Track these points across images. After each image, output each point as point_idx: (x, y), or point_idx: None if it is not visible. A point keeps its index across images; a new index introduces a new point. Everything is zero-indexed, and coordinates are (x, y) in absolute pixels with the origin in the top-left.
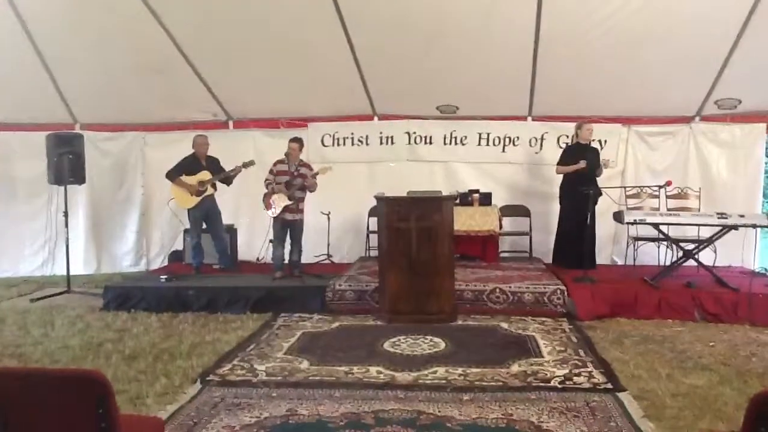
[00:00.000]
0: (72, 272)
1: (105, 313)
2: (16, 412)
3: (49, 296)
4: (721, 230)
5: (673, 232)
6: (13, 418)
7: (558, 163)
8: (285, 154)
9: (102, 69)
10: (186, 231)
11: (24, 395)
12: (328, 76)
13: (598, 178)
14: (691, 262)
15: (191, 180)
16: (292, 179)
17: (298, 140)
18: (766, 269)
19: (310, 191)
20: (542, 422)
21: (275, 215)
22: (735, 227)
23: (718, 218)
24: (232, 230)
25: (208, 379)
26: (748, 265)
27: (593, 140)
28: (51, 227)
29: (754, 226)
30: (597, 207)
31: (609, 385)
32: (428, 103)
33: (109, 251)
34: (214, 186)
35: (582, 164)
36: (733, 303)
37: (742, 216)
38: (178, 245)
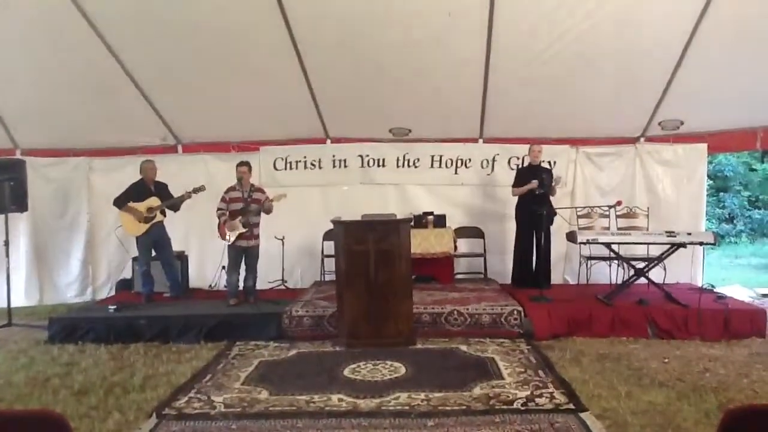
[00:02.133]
0: (13, 304)
1: (50, 347)
2: None
3: None
4: (670, 248)
5: (623, 251)
6: None
7: (513, 185)
8: (237, 179)
9: (44, 92)
10: (135, 259)
11: None
12: (280, 99)
13: (552, 198)
14: (642, 280)
15: (140, 207)
16: (247, 205)
17: (246, 164)
18: (712, 285)
19: (267, 213)
20: None
21: (231, 242)
22: (683, 245)
23: (667, 236)
24: (182, 257)
25: (164, 413)
26: (695, 282)
27: (543, 161)
28: None
29: (701, 244)
30: (551, 227)
31: (571, 406)
32: (381, 126)
33: (53, 281)
34: (163, 212)
35: (534, 183)
36: (683, 319)
37: (689, 234)
38: (126, 273)
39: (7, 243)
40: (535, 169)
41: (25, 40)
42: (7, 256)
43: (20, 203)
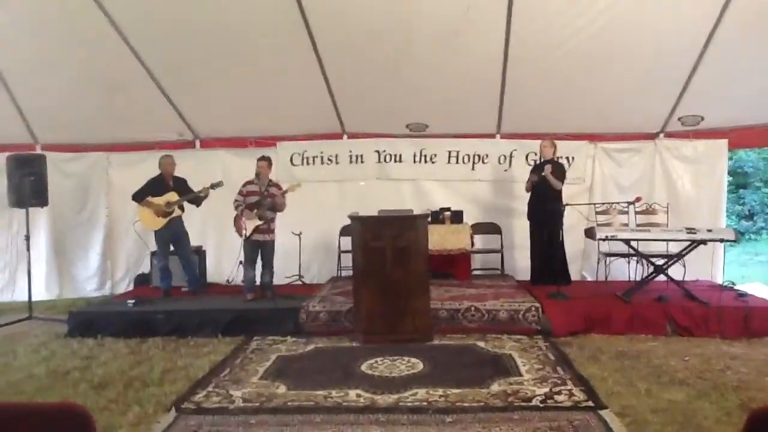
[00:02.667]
0: (33, 298)
1: (70, 340)
2: None
3: (11, 323)
4: (690, 245)
5: (642, 248)
6: None
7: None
8: (255, 174)
9: (64, 88)
10: (153, 253)
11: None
12: (297, 95)
13: (564, 192)
14: (661, 277)
15: (158, 201)
16: (263, 199)
17: (266, 159)
18: (733, 283)
19: (279, 211)
20: None
21: (246, 237)
22: (704, 242)
23: (688, 233)
24: (200, 252)
25: (182, 406)
26: (715, 279)
27: (560, 156)
28: (11, 251)
29: (722, 241)
30: (567, 223)
31: (590, 403)
32: (398, 121)
33: (72, 275)
34: (181, 207)
35: (533, 177)
36: (703, 317)
37: (710, 231)
38: (145, 268)
39: (27, 237)
40: (543, 165)
41: (46, 37)
42: (28, 250)
43: (40, 198)
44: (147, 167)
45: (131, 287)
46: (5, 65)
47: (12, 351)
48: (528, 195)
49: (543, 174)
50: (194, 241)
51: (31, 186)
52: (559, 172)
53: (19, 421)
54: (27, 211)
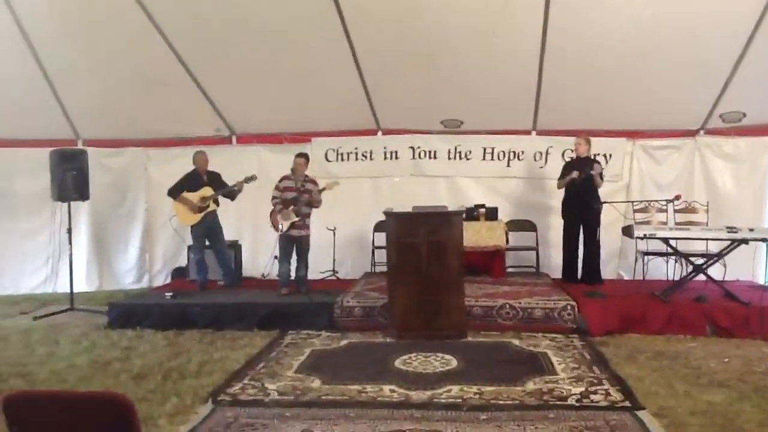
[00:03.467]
0: (74, 289)
1: (110, 331)
2: None
3: (53, 314)
4: (731, 244)
5: (681, 247)
6: None
7: (558, 179)
8: (291, 170)
9: (105, 85)
10: (189, 247)
11: (47, 419)
12: (332, 91)
13: (600, 190)
14: (700, 277)
15: (193, 197)
16: (299, 195)
17: (303, 155)
18: None
19: (316, 207)
20: None
21: (282, 232)
22: (745, 241)
23: (728, 232)
24: (236, 246)
25: (219, 398)
26: (757, 279)
27: (597, 154)
28: (54, 244)
29: (764, 240)
30: (603, 221)
31: (627, 403)
32: (433, 118)
33: (112, 268)
34: (216, 202)
35: (573, 175)
36: (744, 317)
37: (751, 230)
38: (182, 261)
39: (69, 230)
40: (578, 162)
41: (89, 36)
42: (70, 243)
43: (82, 192)
44: (185, 163)
45: (168, 280)
46: (50, 64)
47: (55, 341)
48: (560, 192)
49: (592, 173)
50: (230, 236)
51: (73, 180)
52: (601, 170)
53: (66, 408)
54: (69, 205)
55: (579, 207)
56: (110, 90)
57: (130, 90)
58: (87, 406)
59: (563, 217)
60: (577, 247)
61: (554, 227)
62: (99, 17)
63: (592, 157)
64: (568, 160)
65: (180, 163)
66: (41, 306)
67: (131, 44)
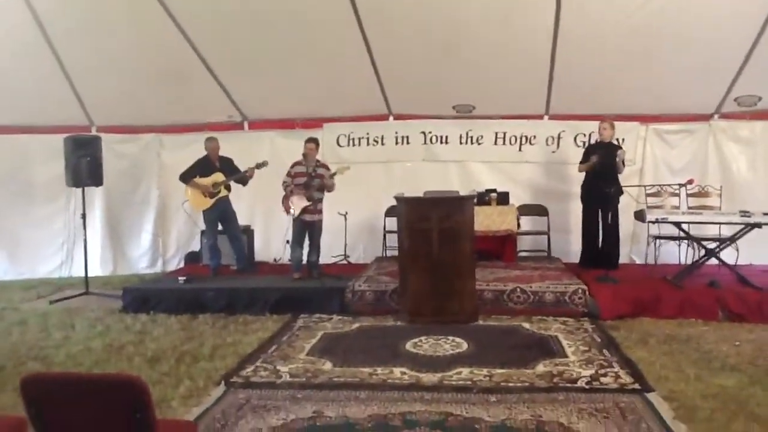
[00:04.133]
0: (89, 274)
1: (124, 315)
2: (55, 416)
3: (68, 298)
4: (744, 228)
5: (693, 231)
6: (51, 423)
7: (580, 162)
8: (302, 155)
9: (118, 72)
10: (202, 232)
11: (64, 400)
12: (344, 77)
13: (620, 176)
14: (713, 261)
15: (205, 182)
16: (310, 180)
17: (314, 140)
18: None
19: (329, 191)
20: (572, 423)
21: (295, 217)
22: (758, 225)
23: (741, 216)
24: (248, 231)
25: (231, 380)
26: None
27: (616, 139)
28: (69, 229)
29: None
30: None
31: (637, 386)
32: (444, 103)
33: (125, 253)
34: (228, 187)
35: (593, 159)
36: (757, 302)
37: (766, 214)
38: (194, 246)
39: (84, 216)
40: (601, 146)
41: (101, 24)
42: (84, 228)
43: (96, 178)
44: (198, 149)
45: (182, 265)
46: (65, 54)
47: (70, 325)
48: (580, 177)
49: (618, 159)
50: (243, 221)
51: (87, 166)
52: (617, 153)
53: (82, 390)
54: (83, 191)
55: (599, 192)
56: (123, 77)
57: (143, 77)
58: (102, 388)
59: (582, 201)
60: (597, 232)
61: (566, 212)
62: (113, 7)
63: (616, 142)
64: (581, 144)
65: (193, 150)
66: (57, 290)
67: (145, 32)
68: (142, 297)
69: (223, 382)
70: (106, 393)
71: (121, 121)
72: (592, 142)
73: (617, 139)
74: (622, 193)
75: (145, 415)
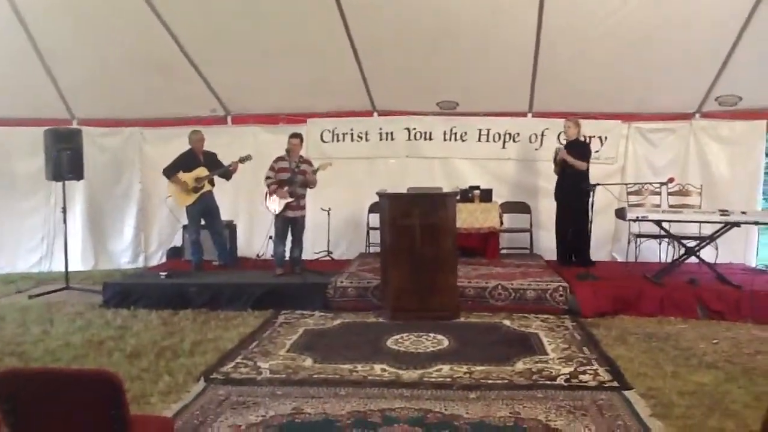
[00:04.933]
0: (70, 268)
1: (105, 310)
2: (30, 412)
3: (48, 293)
4: (724, 227)
5: (674, 229)
6: (26, 419)
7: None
8: (286, 150)
9: (99, 64)
10: (185, 227)
11: (38, 396)
12: (328, 72)
13: (595, 173)
14: (693, 259)
15: (188, 177)
16: (293, 176)
17: (298, 136)
18: (766, 266)
19: (311, 187)
20: (550, 421)
21: (277, 212)
22: (737, 224)
23: (721, 215)
24: (231, 226)
25: (211, 377)
26: (749, 263)
27: (585, 136)
28: (49, 223)
29: (756, 223)
30: (597, 203)
31: (615, 383)
32: (428, 99)
33: (107, 247)
34: (211, 182)
35: (557, 156)
36: (735, 300)
37: (744, 213)
38: (177, 241)
39: (64, 210)
40: (567, 145)
41: (82, 15)
42: (65, 222)
43: (77, 172)
44: (180, 143)
45: (164, 260)
46: (44, 44)
47: (50, 320)
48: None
49: (559, 158)
50: (225, 216)
51: (67, 160)
52: (580, 152)
53: (57, 385)
54: (63, 185)
55: (567, 190)
56: (105, 69)
57: (125, 70)
58: (76, 383)
59: (555, 199)
60: (568, 230)
61: (548, 209)
62: None
63: (582, 139)
64: (564, 142)
65: (176, 143)
66: (37, 285)
67: (126, 23)
68: (123, 292)
69: (202, 378)
70: (81, 389)
71: (103, 114)
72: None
73: (591, 137)
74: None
75: (121, 410)
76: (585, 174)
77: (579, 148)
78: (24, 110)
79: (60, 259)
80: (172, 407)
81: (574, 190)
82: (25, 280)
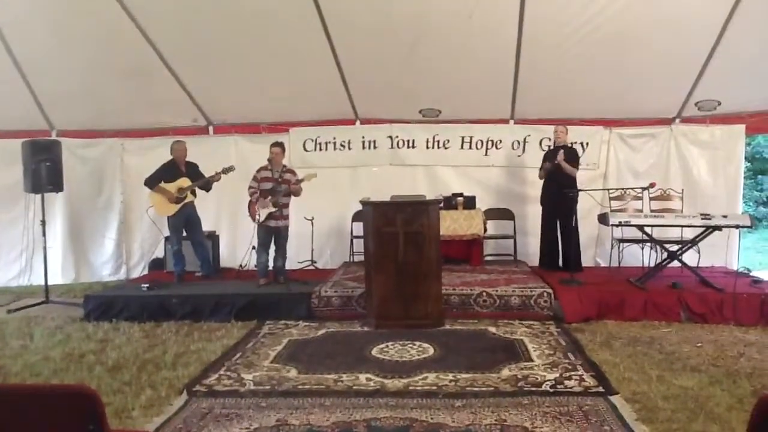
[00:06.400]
0: (50, 282)
1: (86, 324)
2: (4, 430)
3: (27, 307)
4: (705, 231)
5: (656, 234)
6: None
7: (539, 169)
8: (268, 160)
9: (79, 74)
10: (166, 238)
11: (10, 413)
12: (310, 81)
13: (576, 178)
14: (675, 263)
15: (170, 187)
16: (277, 185)
17: (279, 144)
18: (748, 269)
19: (295, 196)
20: (536, 427)
21: (260, 222)
22: (718, 228)
23: (702, 219)
24: (213, 237)
25: (194, 389)
26: (730, 266)
27: (575, 142)
28: (28, 236)
29: (737, 227)
30: (580, 209)
31: (600, 389)
32: (411, 107)
33: (88, 260)
34: (193, 193)
35: (546, 166)
36: (718, 303)
37: (725, 217)
38: (159, 253)
39: (43, 222)
40: (556, 151)
41: (61, 24)
42: (44, 235)
43: (56, 183)
44: (162, 153)
45: (146, 272)
46: (21, 53)
47: (29, 334)
48: (542, 181)
49: (556, 162)
50: (208, 226)
51: (46, 172)
52: (573, 158)
53: (30, 402)
54: (42, 197)
55: (555, 195)
56: (84, 80)
57: (104, 80)
58: (52, 399)
59: (541, 205)
60: (556, 236)
61: (532, 215)
62: (72, 7)
63: (570, 145)
64: (546, 149)
65: (156, 154)
66: (16, 299)
67: (105, 34)
68: (104, 304)
69: (185, 391)
70: (57, 405)
71: (82, 124)
72: (550, 146)
73: (573, 143)
74: (577, 195)
75: (99, 427)
76: (574, 180)
77: (572, 154)
78: (1, 121)
79: (40, 272)
80: (154, 421)
81: (562, 196)
82: (4, 294)
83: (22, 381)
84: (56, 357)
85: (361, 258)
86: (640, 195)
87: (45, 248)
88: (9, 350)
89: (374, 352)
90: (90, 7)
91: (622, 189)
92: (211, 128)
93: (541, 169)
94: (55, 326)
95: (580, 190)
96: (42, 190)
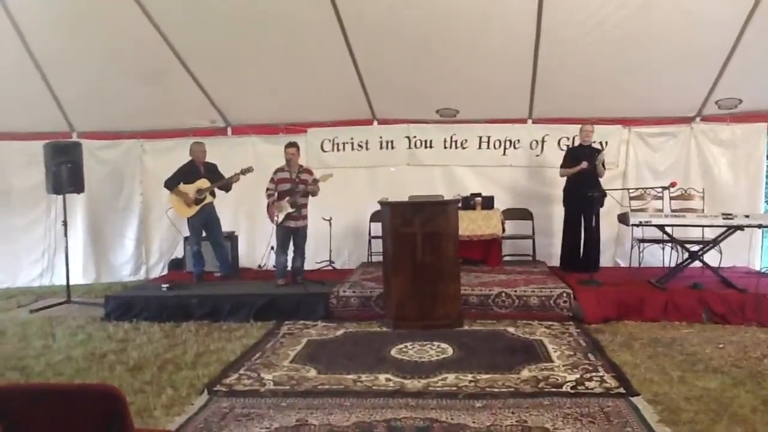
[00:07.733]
0: (71, 282)
1: (106, 324)
2: (30, 429)
3: (49, 307)
4: (727, 231)
5: (677, 234)
6: None
7: (561, 166)
8: (286, 160)
9: (99, 76)
10: (186, 239)
11: (35, 412)
12: (327, 81)
13: (601, 179)
14: (696, 264)
15: (189, 189)
16: (295, 186)
17: (294, 145)
18: None
19: (313, 196)
20: (557, 429)
21: (279, 223)
22: (741, 228)
23: (724, 219)
24: (232, 237)
25: (215, 389)
26: (753, 266)
27: (594, 141)
28: (49, 237)
29: (760, 227)
30: (601, 209)
31: (622, 390)
32: (428, 107)
33: (108, 260)
34: (212, 194)
35: (584, 165)
36: (740, 304)
37: (747, 216)
38: (178, 253)
39: (65, 223)
40: (584, 150)
41: (82, 28)
42: (66, 235)
43: (77, 185)
44: (180, 154)
45: (165, 272)
46: (42, 55)
47: (51, 334)
48: (563, 180)
49: (596, 162)
50: (227, 227)
51: (67, 173)
52: (603, 159)
53: (57, 401)
54: (64, 198)
55: (582, 196)
56: (104, 82)
57: (124, 82)
58: (77, 398)
59: (565, 205)
60: (579, 236)
61: (551, 215)
62: (91, 9)
63: (597, 145)
64: (564, 148)
65: (175, 155)
66: (38, 299)
67: (125, 36)
68: (124, 305)
69: (206, 391)
70: (81, 404)
71: (102, 126)
72: (575, 145)
73: (599, 142)
74: (605, 196)
75: (122, 425)
76: (598, 180)
77: (598, 153)
78: (22, 123)
79: (61, 272)
80: (175, 420)
81: (593, 196)
82: (26, 295)
83: (45, 380)
84: (78, 357)
85: (380, 258)
86: (660, 194)
87: (66, 249)
88: (32, 350)
89: (393, 352)
90: (110, 11)
91: (643, 188)
92: (229, 129)
93: (563, 166)
94: (77, 326)
95: (607, 191)
96: (63, 192)
